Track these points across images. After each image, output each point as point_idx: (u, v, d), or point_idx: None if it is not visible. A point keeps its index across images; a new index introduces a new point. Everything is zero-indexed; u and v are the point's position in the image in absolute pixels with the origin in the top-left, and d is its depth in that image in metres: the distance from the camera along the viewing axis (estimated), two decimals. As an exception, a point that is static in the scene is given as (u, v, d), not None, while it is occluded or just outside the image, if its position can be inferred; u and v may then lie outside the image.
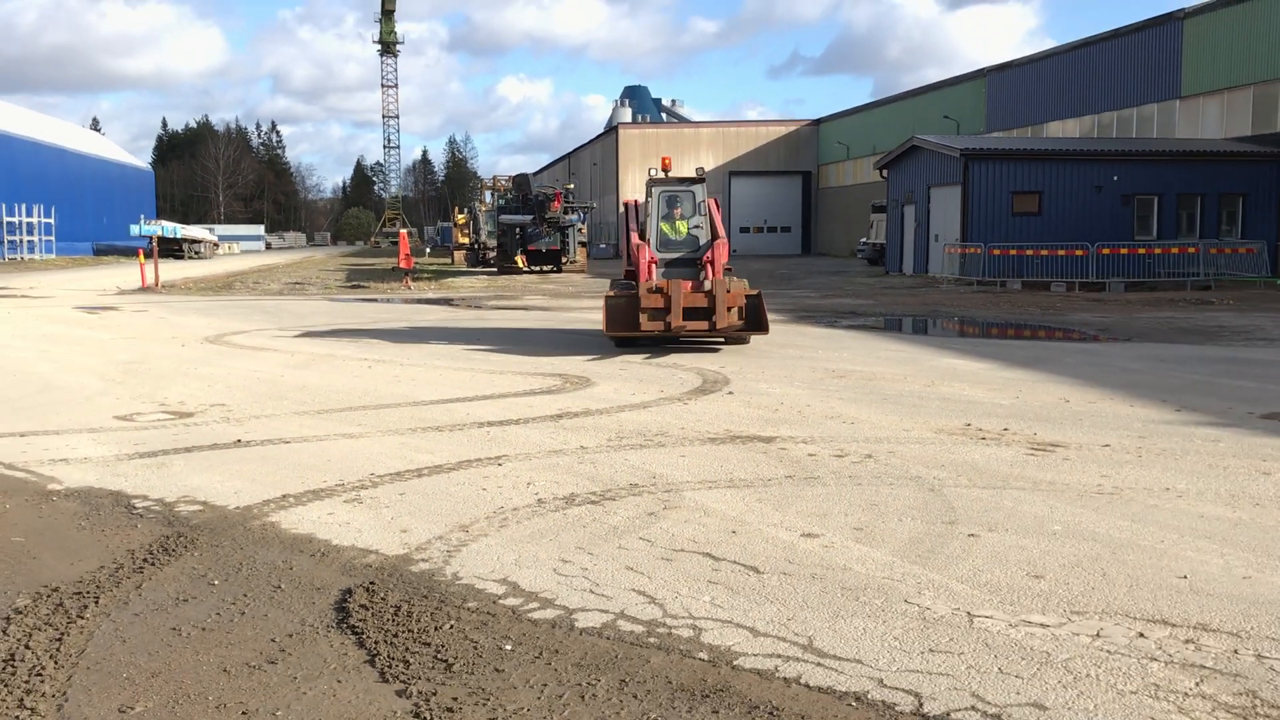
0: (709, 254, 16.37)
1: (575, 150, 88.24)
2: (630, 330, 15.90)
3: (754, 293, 16.23)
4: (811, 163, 71.49)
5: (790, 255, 66.69)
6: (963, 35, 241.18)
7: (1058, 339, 19.28)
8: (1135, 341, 17.90)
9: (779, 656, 4.61)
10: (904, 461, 8.44)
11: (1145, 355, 15.82)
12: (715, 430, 9.77)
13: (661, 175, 17.10)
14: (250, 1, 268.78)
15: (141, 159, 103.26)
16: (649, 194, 17.04)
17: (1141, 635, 4.83)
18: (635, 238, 16.76)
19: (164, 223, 69.03)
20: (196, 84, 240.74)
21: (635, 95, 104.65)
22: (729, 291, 15.75)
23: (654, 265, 16.32)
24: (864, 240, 51.77)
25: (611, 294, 16.67)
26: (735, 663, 4.55)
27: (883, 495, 7.38)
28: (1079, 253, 31.51)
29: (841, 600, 5.31)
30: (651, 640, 4.81)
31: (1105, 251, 31.36)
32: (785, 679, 4.39)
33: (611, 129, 76.45)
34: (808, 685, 4.33)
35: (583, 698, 4.24)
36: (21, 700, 4.25)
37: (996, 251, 32.75)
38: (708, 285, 15.73)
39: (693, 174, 17.59)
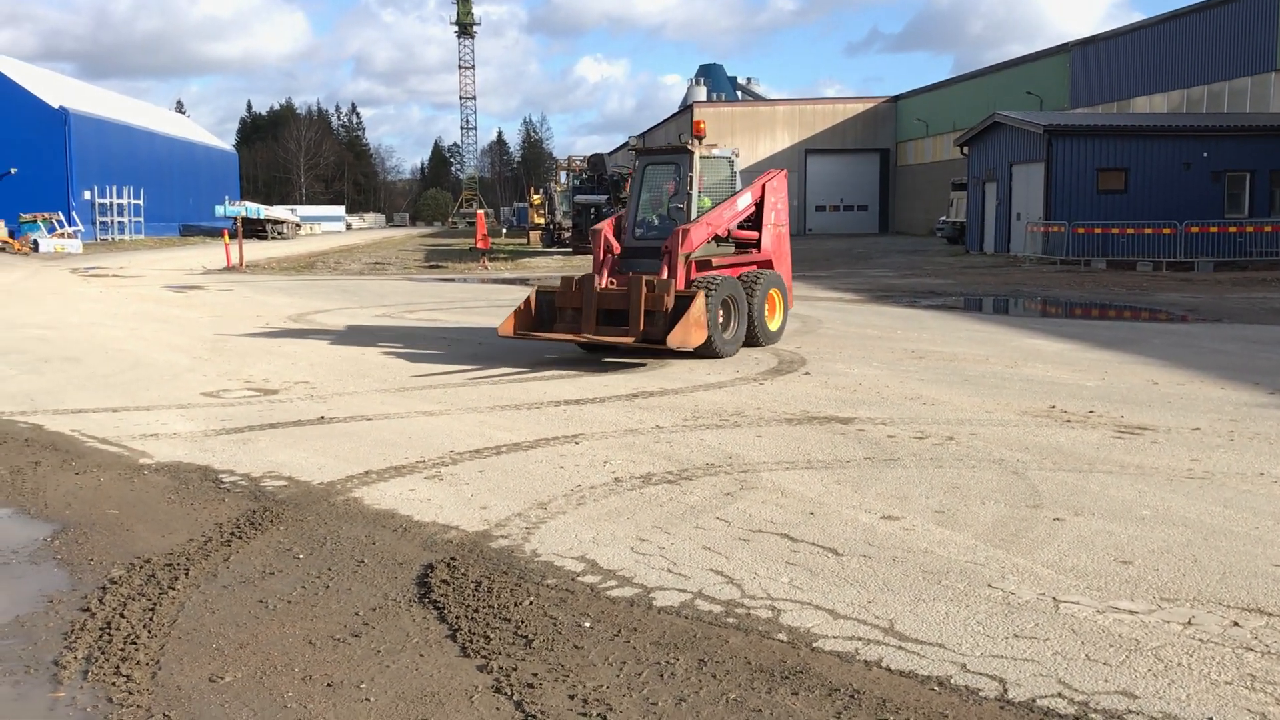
0: (668, 241, 13.05)
1: (650, 129, 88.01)
2: (540, 332, 13.18)
3: (690, 294, 12.49)
4: (889, 140, 70.47)
5: (867, 234, 65.91)
6: (1047, 10, 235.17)
7: (1144, 319, 18.79)
8: (1225, 322, 17.37)
9: (859, 639, 4.56)
10: (986, 444, 8.30)
11: (1236, 336, 15.35)
12: (792, 411, 9.70)
13: (645, 145, 14.85)
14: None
15: (226, 141, 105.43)
16: (633, 167, 14.58)
17: (1236, 624, 4.69)
18: (609, 223, 14.03)
19: (248, 203, 70.40)
20: (281, 67, 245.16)
21: (710, 74, 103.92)
22: (650, 291, 12.47)
23: (611, 256, 13.60)
24: (943, 218, 50.95)
25: (543, 287, 13.89)
26: (815, 645, 4.52)
27: (965, 478, 7.26)
28: (1166, 231, 30.65)
29: (923, 584, 5.24)
30: (730, 620, 4.80)
31: (1194, 230, 30.45)
32: (866, 662, 4.34)
33: (686, 108, 76.11)
34: (889, 669, 4.28)
35: (662, 676, 4.25)
36: (118, 667, 4.38)
37: (1080, 230, 32.00)
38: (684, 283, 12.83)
39: (717, 145, 14.46)
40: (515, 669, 4.32)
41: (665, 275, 12.75)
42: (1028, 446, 8.18)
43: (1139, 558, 5.60)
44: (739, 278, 13.65)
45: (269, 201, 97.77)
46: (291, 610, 5.03)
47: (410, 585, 5.34)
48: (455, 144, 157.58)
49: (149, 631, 4.76)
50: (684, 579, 5.33)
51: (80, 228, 50.27)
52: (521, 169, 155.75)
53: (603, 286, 12.95)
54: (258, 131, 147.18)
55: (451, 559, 5.69)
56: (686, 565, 5.53)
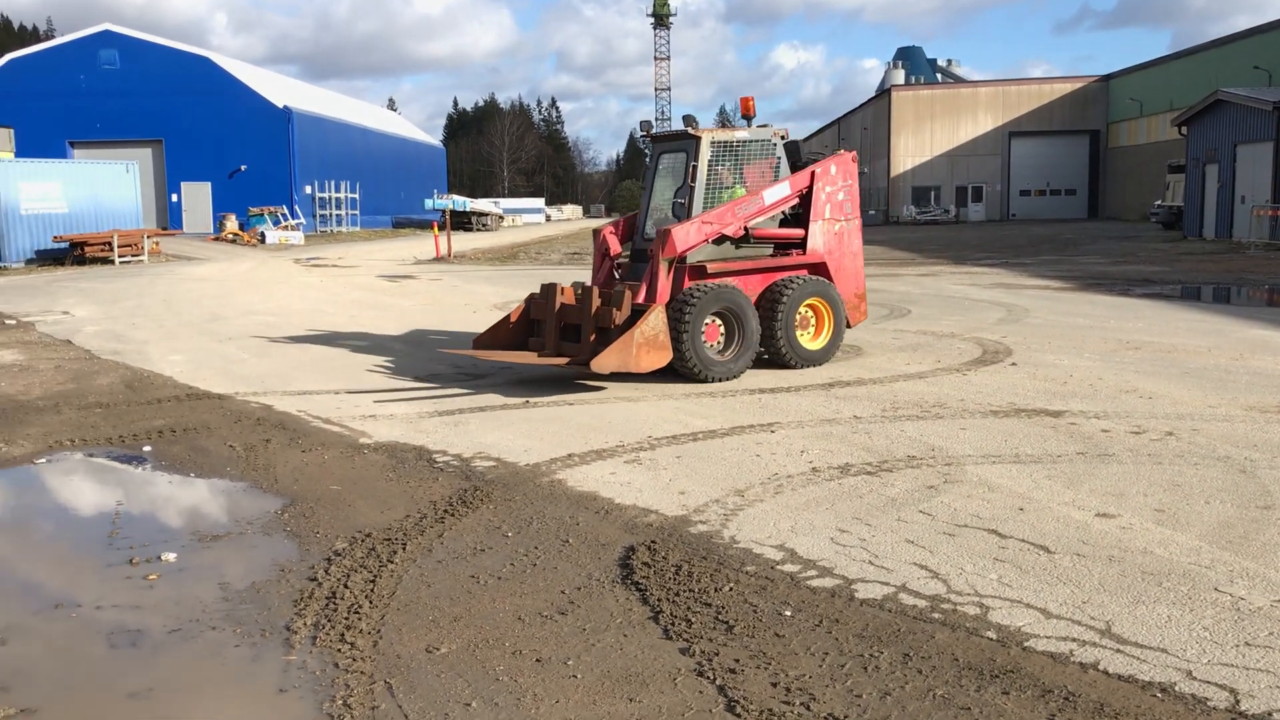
0: (652, 244, 11.07)
1: (845, 115, 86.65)
2: (507, 349, 11.44)
3: (646, 303, 10.60)
4: (1100, 121, 67.06)
5: (1075, 219, 62.97)
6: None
7: (1392, 310, 17.26)
8: None
9: (1074, 640, 4.39)
10: (1210, 440, 7.82)
11: None
12: (997, 403, 9.39)
13: (663, 127, 12.15)
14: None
15: (434, 137, 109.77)
16: (649, 154, 12.65)
17: None
18: (608, 227, 12.18)
19: (454, 196, 72.96)
20: (486, 64, 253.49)
21: (908, 56, 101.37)
22: (602, 304, 10.68)
23: (609, 261, 11.87)
24: (1159, 203, 48.13)
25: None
26: (1026, 644, 4.37)
27: (1186, 475, 6.87)
28: None
29: (1142, 585, 4.99)
30: (935, 616, 4.70)
31: None
32: (1081, 664, 4.17)
33: (884, 92, 74.52)
34: (1106, 672, 4.10)
35: (865, 669, 4.20)
36: (343, 635, 4.65)
37: (1317, 213, 29.66)
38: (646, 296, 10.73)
39: (738, 127, 11.97)
40: (717, 654, 4.36)
41: (645, 284, 10.81)
42: (1256, 444, 7.67)
43: (1388, 567, 5.17)
44: (770, 286, 11.35)
45: (474, 194, 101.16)
46: (502, 586, 5.22)
47: (613, 566, 5.46)
48: (783, 135, 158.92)
49: (370, 602, 5.03)
50: (886, 572, 5.25)
51: (302, 220, 53.29)
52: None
53: (587, 295, 10.92)
54: (463, 127, 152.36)
55: (652, 542, 5.78)
56: (888, 558, 5.45)
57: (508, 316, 11.66)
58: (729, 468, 7.34)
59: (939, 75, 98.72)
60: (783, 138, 12.00)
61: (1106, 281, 22.59)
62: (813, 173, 11.88)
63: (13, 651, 4.60)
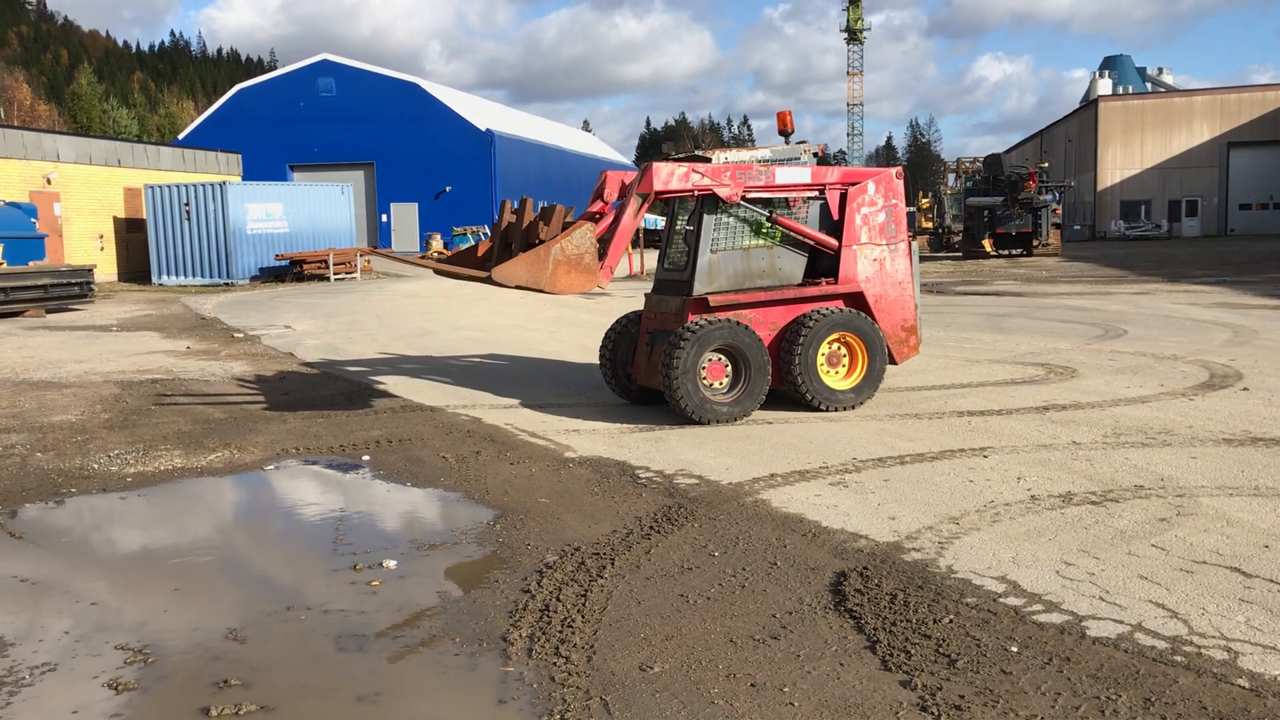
0: (635, 178, 10.08)
1: (1048, 127, 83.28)
2: (463, 266, 10.91)
3: (579, 224, 9.44)
4: (1335, 128, 62.22)
5: (1305, 235, 58.53)
6: None
7: None
8: None
9: (1340, 694, 4.01)
10: None
11: None
12: (1231, 430, 8.76)
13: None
14: (741, 2, 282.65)
15: (628, 156, 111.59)
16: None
17: None
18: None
19: (646, 215, 74.07)
20: (685, 84, 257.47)
21: (1116, 65, 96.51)
22: (535, 218, 10.11)
23: (605, 204, 10.44)
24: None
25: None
26: (1284, 695, 4.03)
27: None
28: None
29: None
30: (1177, 659, 4.38)
31: None
32: (1351, 721, 3.81)
33: (1090, 103, 71.26)
34: (1382, 732, 3.73)
35: (1103, 712, 3.95)
36: (558, 648, 4.70)
37: None
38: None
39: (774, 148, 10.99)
40: (940, 688, 4.18)
41: (610, 217, 9.86)
42: None
43: None
44: (795, 319, 10.08)
45: (664, 214, 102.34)
46: (711, 607, 5.17)
47: (824, 592, 5.33)
48: (841, 151, 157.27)
49: (582, 616, 5.07)
50: (1119, 609, 4.94)
51: (500, 239, 55.08)
52: (908, 173, 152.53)
53: (523, 209, 10.35)
54: (655, 146, 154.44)
55: (864, 569, 5.63)
56: (1121, 595, 5.13)
57: (476, 245, 11.09)
58: (941, 493, 7.09)
59: (1148, 85, 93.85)
60: (816, 154, 10.82)
61: (1346, 301, 20.87)
62: (843, 192, 10.41)
63: (251, 650, 4.85)
